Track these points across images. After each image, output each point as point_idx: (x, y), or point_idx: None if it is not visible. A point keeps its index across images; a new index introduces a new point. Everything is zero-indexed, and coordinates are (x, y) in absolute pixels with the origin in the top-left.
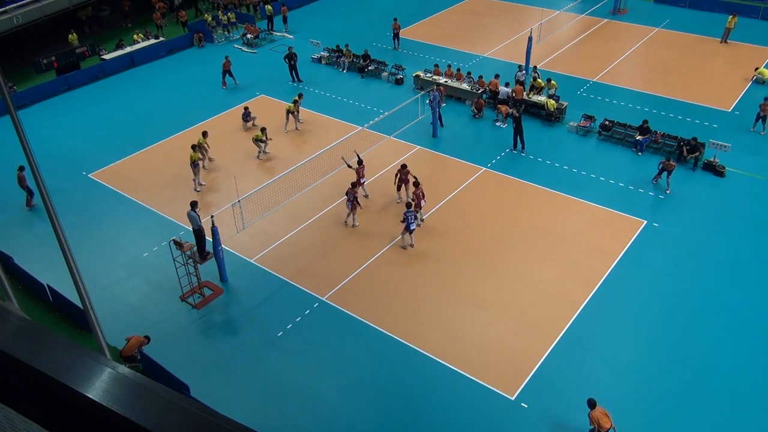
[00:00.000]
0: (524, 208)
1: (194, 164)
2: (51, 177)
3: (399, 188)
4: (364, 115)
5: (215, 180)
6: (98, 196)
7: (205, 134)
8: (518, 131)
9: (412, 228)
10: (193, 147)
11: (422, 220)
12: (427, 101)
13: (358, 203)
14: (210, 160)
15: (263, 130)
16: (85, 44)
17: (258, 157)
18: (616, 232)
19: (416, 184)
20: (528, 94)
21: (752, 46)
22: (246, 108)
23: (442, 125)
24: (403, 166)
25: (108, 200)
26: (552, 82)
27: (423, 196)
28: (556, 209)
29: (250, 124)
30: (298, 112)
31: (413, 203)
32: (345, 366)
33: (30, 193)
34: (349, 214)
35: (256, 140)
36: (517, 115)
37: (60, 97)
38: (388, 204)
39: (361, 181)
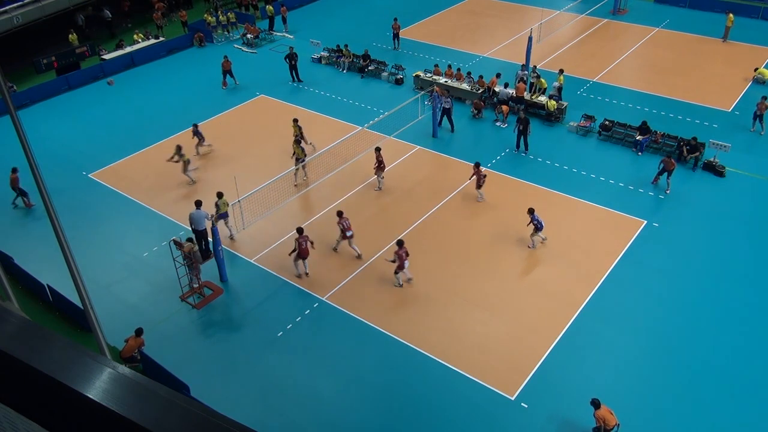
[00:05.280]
0: (524, 208)
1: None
2: (51, 177)
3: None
4: (364, 115)
5: (215, 179)
6: (98, 196)
7: (221, 195)
8: (524, 133)
9: (543, 225)
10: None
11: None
12: (427, 101)
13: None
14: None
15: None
16: (85, 44)
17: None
18: (616, 232)
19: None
20: (532, 96)
21: (752, 46)
22: (195, 125)
23: (452, 130)
24: (377, 149)
25: (108, 200)
26: (560, 77)
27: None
28: (556, 209)
29: (205, 146)
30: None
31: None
32: (345, 366)
33: (24, 194)
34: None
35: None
36: (524, 116)
37: (60, 97)
38: (387, 206)
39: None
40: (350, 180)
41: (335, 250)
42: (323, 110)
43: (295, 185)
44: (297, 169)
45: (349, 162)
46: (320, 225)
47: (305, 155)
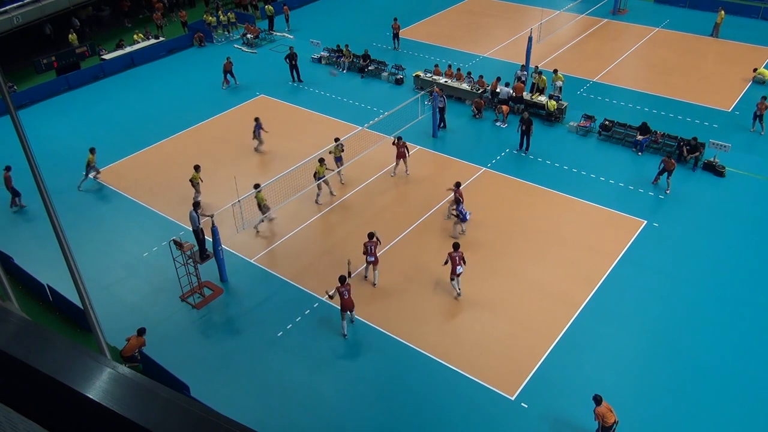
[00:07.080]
0: (524, 208)
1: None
2: (51, 177)
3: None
4: (364, 115)
5: (215, 180)
6: (98, 196)
7: (197, 168)
8: (527, 133)
9: (467, 218)
10: (196, 167)
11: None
12: (426, 101)
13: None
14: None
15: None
16: (85, 44)
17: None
18: (616, 232)
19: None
20: (532, 96)
21: (751, 46)
22: (257, 120)
23: (445, 127)
24: (399, 138)
25: (108, 200)
26: (558, 74)
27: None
28: (556, 209)
29: (258, 143)
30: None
31: (460, 200)
32: (345, 366)
33: (17, 194)
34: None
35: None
36: (527, 117)
37: (60, 97)
38: (387, 206)
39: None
40: (350, 180)
41: (366, 278)
42: (323, 110)
43: (319, 204)
44: (320, 188)
45: (349, 162)
46: (321, 224)
47: (327, 171)
